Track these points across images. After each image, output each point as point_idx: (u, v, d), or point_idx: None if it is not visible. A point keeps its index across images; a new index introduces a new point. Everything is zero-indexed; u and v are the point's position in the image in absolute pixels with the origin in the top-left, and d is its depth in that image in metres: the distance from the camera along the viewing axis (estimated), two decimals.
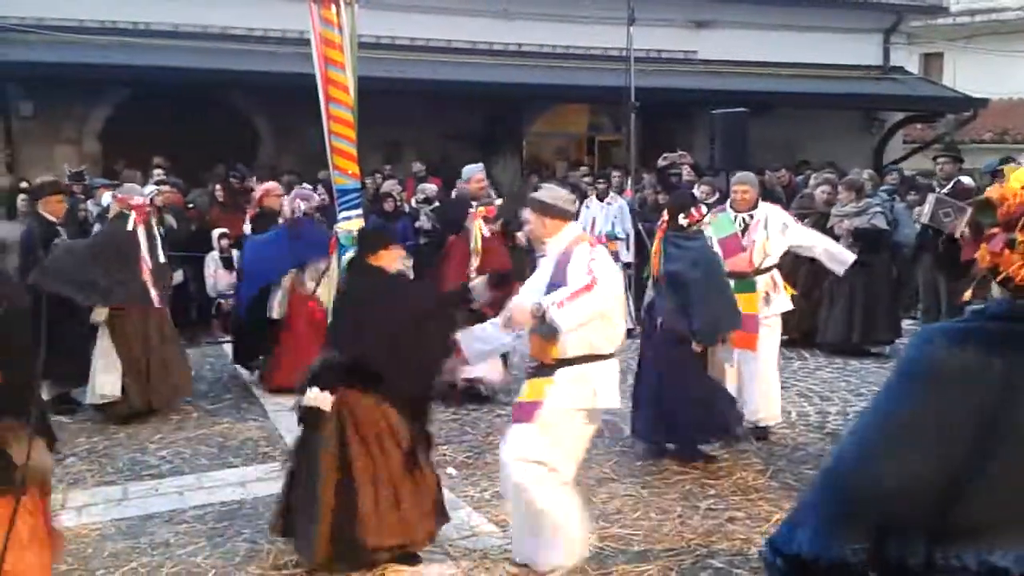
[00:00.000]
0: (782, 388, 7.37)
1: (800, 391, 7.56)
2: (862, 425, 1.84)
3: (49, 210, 7.32)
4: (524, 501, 4.09)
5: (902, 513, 1.67)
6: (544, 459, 4.02)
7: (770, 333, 6.24)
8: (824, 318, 8.93)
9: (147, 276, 6.81)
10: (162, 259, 7.11)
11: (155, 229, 7.19)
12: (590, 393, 4.05)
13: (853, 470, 1.75)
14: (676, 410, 5.69)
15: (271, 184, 8.79)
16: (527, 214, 4.23)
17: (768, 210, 6.39)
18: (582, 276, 3.87)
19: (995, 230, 1.88)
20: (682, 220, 5.69)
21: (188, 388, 7.31)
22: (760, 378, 6.21)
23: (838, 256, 6.48)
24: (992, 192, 1.92)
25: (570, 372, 4.02)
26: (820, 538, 1.73)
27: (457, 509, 4.96)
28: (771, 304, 6.24)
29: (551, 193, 4.24)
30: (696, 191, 9.86)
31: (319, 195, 8.56)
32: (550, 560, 4.17)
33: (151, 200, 9.68)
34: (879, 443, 1.74)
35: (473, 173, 7.90)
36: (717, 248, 6.06)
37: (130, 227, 6.85)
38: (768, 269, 6.27)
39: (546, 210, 4.12)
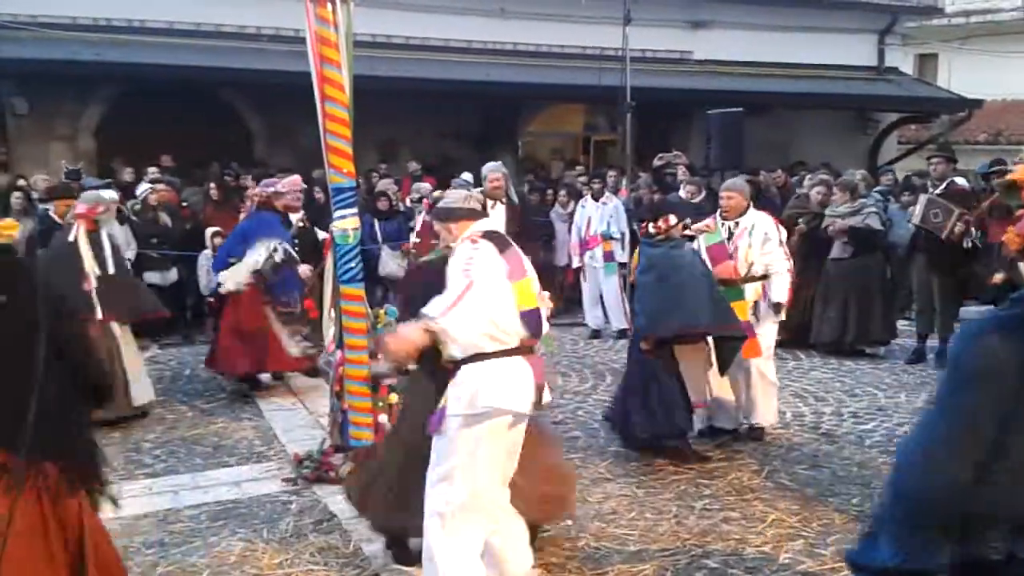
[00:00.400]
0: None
1: (795, 391, 7.56)
2: (923, 430, 1.81)
3: (59, 212, 7.37)
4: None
5: (978, 513, 1.67)
6: (448, 491, 3.70)
7: (762, 340, 6.24)
8: (819, 318, 8.93)
9: (90, 287, 6.56)
10: (112, 269, 6.76)
11: (105, 238, 6.84)
12: (470, 396, 3.63)
13: (921, 478, 1.73)
14: (631, 410, 5.83)
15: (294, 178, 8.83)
16: (437, 226, 4.04)
17: (756, 218, 6.31)
18: (459, 277, 3.63)
19: (1021, 212, 1.88)
20: (651, 228, 5.90)
21: (126, 406, 6.81)
22: (754, 383, 6.25)
23: (773, 295, 6.27)
24: (1017, 174, 1.92)
25: (459, 375, 3.67)
26: (901, 549, 1.72)
27: None
28: (760, 314, 6.24)
29: (451, 197, 4.15)
30: (682, 191, 9.90)
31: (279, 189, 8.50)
32: None
33: (144, 198, 9.76)
34: (941, 447, 1.72)
35: (486, 173, 7.95)
36: (705, 256, 6.15)
37: (71, 237, 6.68)
38: (758, 278, 6.23)
39: (450, 215, 3.92)
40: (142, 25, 12.61)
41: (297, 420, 6.90)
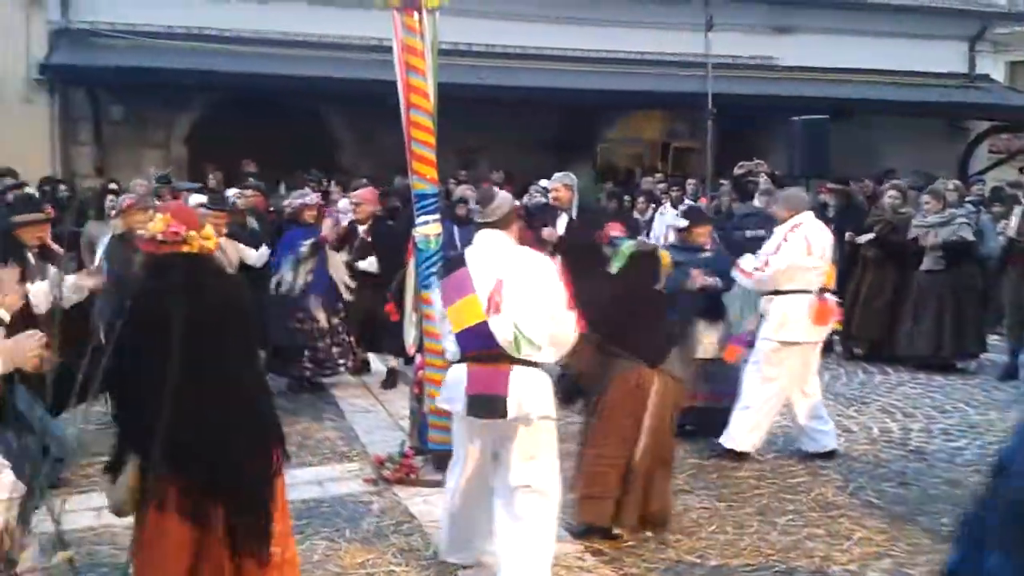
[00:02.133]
0: (863, 403, 7.36)
1: (882, 407, 7.36)
2: None
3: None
4: None
5: None
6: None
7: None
8: (908, 331, 8.64)
9: None
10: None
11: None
12: None
13: None
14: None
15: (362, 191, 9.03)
16: None
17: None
18: None
19: None
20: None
21: None
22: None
23: None
24: None
25: None
26: (1009, 566, 1.66)
27: None
28: None
29: None
30: (756, 200, 9.75)
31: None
32: None
33: (233, 203, 9.99)
34: None
35: (551, 183, 7.91)
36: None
37: None
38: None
39: None
40: (233, 35, 12.99)
41: (378, 421, 6.99)
